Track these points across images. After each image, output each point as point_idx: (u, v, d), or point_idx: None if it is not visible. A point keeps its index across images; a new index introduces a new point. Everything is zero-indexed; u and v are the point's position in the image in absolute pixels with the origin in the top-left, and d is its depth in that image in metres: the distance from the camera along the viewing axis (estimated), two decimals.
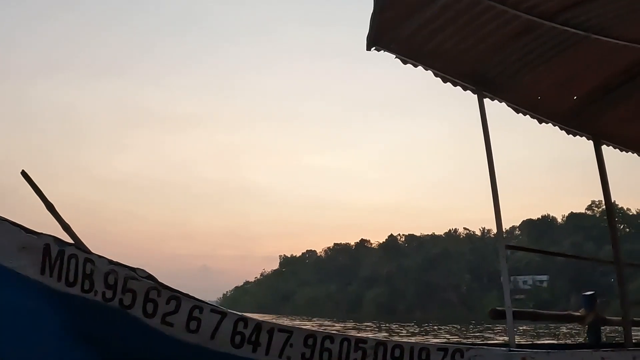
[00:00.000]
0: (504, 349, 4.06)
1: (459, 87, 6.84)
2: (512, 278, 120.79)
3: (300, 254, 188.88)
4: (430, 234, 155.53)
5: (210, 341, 4.08)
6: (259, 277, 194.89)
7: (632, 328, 7.50)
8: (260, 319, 4.06)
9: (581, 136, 8.34)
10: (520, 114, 7.64)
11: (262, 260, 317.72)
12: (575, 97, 7.82)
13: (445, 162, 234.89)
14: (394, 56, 6.34)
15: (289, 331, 3.99)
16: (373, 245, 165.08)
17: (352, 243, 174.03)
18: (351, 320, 69.89)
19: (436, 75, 6.67)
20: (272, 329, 4.00)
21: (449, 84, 6.79)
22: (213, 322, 4.09)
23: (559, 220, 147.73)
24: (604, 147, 8.47)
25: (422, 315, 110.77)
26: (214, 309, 4.11)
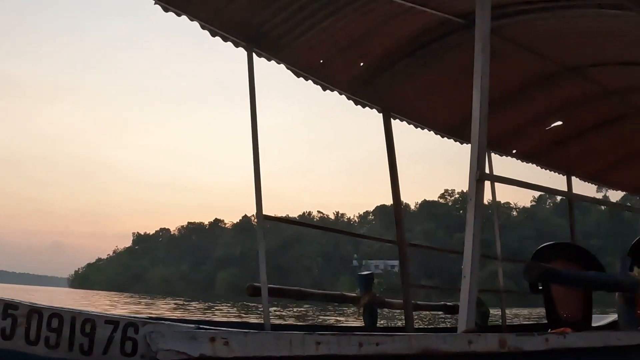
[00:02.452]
0: (192, 325, 3.32)
1: None
2: (364, 262, 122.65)
3: (154, 232, 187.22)
4: (284, 216, 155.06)
5: None
6: (111, 254, 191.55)
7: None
8: None
9: (371, 108, 7.64)
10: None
11: (116, 237, 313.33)
12: (362, 64, 7.11)
13: (301, 147, 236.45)
14: (153, 2, 5.45)
15: None
16: (227, 225, 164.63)
17: (206, 223, 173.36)
18: (204, 301, 68.87)
19: (203, 27, 5.76)
20: None
21: None
22: None
23: (412, 207, 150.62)
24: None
25: (274, 298, 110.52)
26: None
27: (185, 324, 3.37)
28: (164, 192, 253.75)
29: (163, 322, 3.30)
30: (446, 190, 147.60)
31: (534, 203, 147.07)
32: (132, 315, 5.37)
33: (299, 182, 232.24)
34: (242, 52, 6.09)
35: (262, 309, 5.43)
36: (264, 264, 5.55)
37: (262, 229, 5.76)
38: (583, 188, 11.25)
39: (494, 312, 9.00)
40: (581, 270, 6.53)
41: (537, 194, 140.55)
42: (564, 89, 8.02)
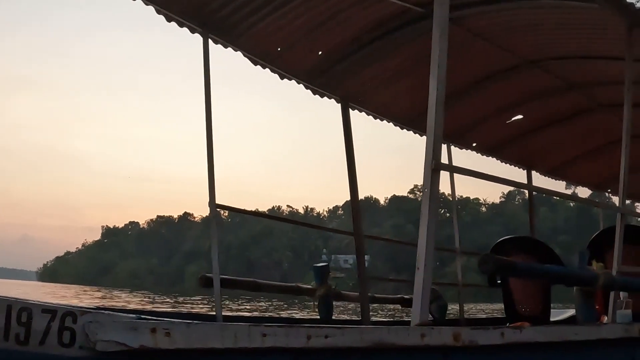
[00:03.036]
0: (133, 315, 3.22)
1: None
2: (333, 257, 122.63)
3: (123, 225, 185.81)
4: (253, 210, 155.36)
5: None
6: (80, 248, 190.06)
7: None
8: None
9: (329, 97, 7.56)
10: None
11: (85, 230, 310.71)
12: (320, 53, 7.00)
13: (271, 141, 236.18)
14: None
15: None
16: (196, 219, 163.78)
17: (176, 216, 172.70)
18: (176, 294, 68.41)
19: (158, 12, 5.66)
20: None
21: None
22: None
23: (382, 202, 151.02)
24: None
25: (244, 292, 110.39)
26: None
27: (126, 314, 3.27)
28: (134, 185, 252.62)
29: (103, 311, 3.20)
30: (415, 186, 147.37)
31: (503, 199, 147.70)
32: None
33: (271, 177, 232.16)
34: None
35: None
36: (216, 254, 5.47)
37: (215, 218, 5.69)
38: (552, 185, 11.28)
39: (455, 306, 8.97)
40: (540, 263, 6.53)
41: (506, 190, 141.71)
42: (525, 81, 7.98)
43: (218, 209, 6.06)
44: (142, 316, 3.23)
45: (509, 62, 7.53)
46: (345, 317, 18.56)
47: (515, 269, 4.71)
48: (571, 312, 8.31)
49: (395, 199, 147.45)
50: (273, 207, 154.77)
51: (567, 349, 4.90)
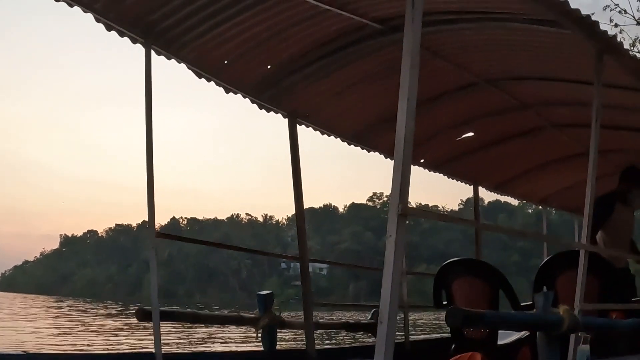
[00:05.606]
0: None
1: None
2: (292, 265, 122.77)
3: (82, 233, 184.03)
4: (212, 218, 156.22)
5: None
6: (39, 256, 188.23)
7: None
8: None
9: (276, 112, 7.24)
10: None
11: (42, 239, 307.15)
12: (269, 67, 6.70)
13: (227, 148, 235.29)
14: None
15: None
16: (155, 227, 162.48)
17: (134, 224, 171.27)
18: (131, 303, 67.89)
19: (98, 20, 5.28)
20: None
21: None
22: None
23: (341, 210, 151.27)
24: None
25: (202, 299, 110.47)
26: None
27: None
28: (91, 193, 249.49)
29: None
30: (374, 193, 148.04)
31: (461, 206, 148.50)
32: None
33: (229, 183, 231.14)
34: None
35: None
36: (155, 285, 5.19)
37: (154, 249, 5.40)
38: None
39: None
40: (486, 286, 6.77)
41: (464, 197, 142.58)
42: (479, 100, 7.86)
43: (158, 238, 5.80)
44: None
45: (466, 80, 7.40)
46: (291, 342, 18.06)
47: (484, 320, 4.43)
48: (517, 335, 8.23)
49: (354, 207, 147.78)
50: (232, 215, 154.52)
51: None
